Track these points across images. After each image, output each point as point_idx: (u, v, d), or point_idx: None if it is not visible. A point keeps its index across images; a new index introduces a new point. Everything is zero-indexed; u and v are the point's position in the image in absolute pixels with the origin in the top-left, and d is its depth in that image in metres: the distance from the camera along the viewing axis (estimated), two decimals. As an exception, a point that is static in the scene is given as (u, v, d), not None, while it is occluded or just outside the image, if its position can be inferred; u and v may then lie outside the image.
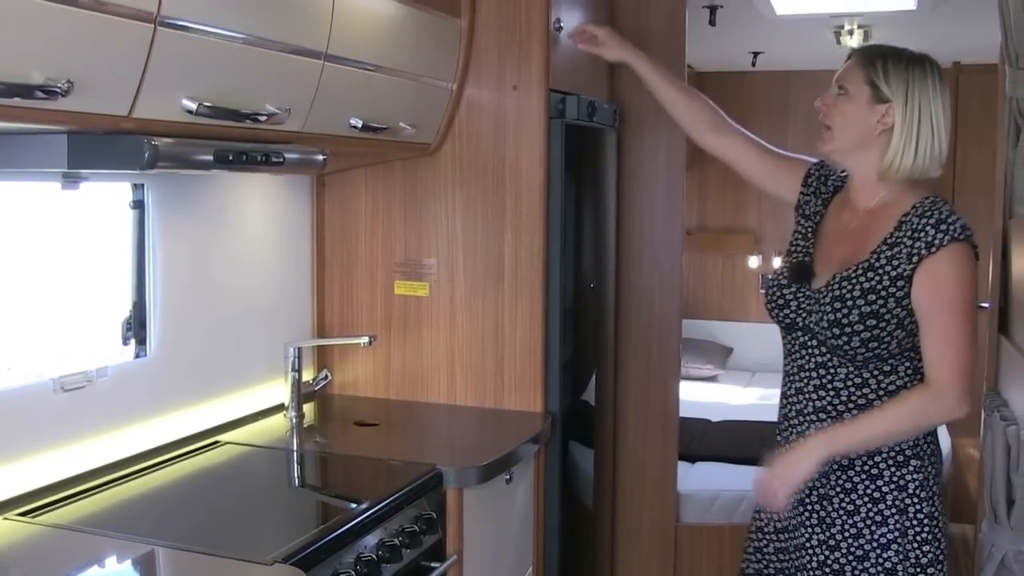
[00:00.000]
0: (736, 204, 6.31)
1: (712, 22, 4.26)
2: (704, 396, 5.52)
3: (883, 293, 1.98)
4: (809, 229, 2.21)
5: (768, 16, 4.22)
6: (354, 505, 2.05)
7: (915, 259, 1.96)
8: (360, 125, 2.31)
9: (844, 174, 2.21)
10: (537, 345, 2.77)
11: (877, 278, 2.00)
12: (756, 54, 5.32)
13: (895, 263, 1.99)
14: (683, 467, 3.77)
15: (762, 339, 5.87)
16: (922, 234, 1.97)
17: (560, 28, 2.73)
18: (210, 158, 1.84)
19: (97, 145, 1.69)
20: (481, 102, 2.76)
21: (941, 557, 2.04)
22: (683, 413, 3.61)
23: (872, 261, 2.02)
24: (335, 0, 2.09)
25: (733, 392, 5.86)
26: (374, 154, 2.79)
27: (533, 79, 2.71)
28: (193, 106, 1.74)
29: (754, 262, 6.39)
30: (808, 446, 1.97)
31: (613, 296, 3.37)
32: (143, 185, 2.28)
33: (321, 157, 2.28)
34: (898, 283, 1.98)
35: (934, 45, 5.04)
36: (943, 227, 1.96)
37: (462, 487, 2.28)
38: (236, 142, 1.92)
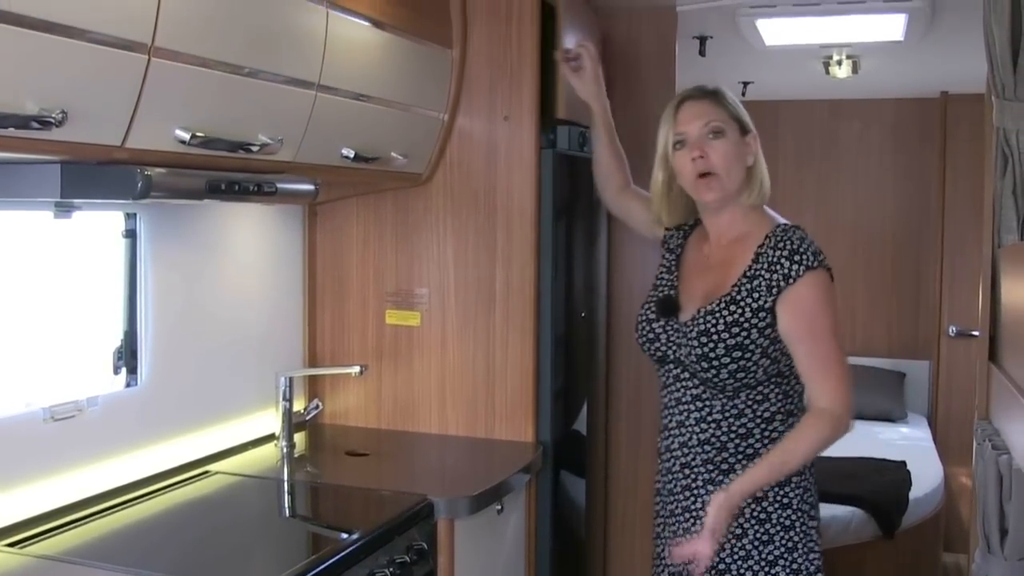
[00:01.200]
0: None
1: (702, 52, 4.28)
2: (696, 425, 5.50)
3: (746, 325, 2.04)
4: (672, 263, 2.28)
5: (757, 47, 4.24)
6: (345, 535, 2.04)
7: (775, 291, 2.03)
8: (352, 155, 2.32)
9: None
10: (528, 374, 2.77)
11: (739, 311, 2.05)
12: (746, 84, 5.35)
13: (755, 295, 2.04)
14: (675, 496, 3.75)
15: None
16: (778, 266, 2.03)
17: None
18: (203, 188, 1.85)
19: (90, 175, 1.70)
20: (472, 132, 2.78)
21: (822, 561, 2.13)
22: (675, 442, 3.59)
23: (734, 295, 2.07)
24: (327, 31, 2.10)
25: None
26: (366, 184, 2.80)
27: (524, 109, 2.73)
28: (186, 136, 1.74)
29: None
30: (719, 509, 1.98)
31: (604, 324, 3.37)
32: (135, 214, 2.29)
33: (313, 187, 2.29)
34: (760, 314, 2.03)
35: (922, 75, 5.12)
36: (796, 257, 2.03)
37: (453, 517, 2.27)
38: (228, 172, 1.93)
